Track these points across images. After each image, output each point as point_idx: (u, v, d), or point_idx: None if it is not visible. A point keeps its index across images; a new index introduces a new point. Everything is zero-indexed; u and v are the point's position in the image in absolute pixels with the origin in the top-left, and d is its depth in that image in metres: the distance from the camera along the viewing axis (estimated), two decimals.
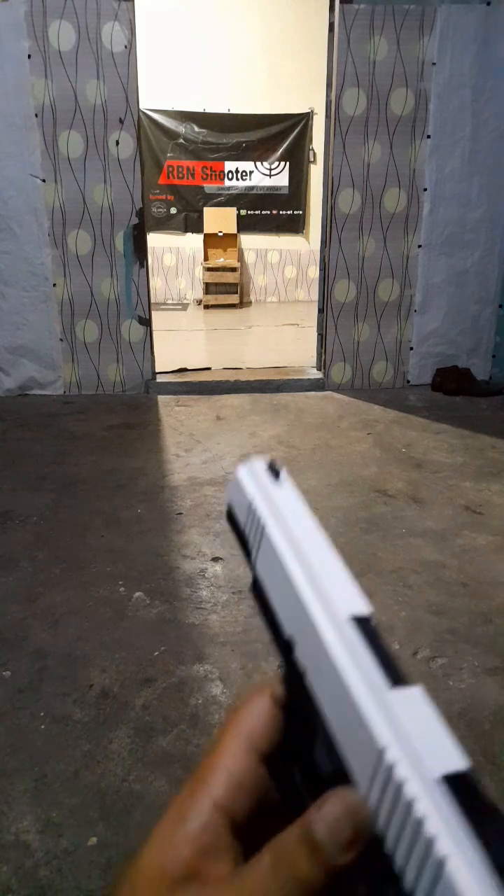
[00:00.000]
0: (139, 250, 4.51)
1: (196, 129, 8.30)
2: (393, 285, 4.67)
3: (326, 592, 0.27)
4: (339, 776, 0.23)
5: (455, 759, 0.21)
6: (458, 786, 0.20)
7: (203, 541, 2.63)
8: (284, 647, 0.27)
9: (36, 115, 4.17)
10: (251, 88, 8.10)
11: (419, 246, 4.57)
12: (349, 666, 0.24)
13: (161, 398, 4.62)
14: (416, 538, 2.66)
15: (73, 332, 4.60)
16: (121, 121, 4.24)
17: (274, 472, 0.32)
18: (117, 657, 1.96)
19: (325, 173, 4.62)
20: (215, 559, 2.49)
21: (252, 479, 0.32)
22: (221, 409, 4.37)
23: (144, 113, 7.10)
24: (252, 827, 0.25)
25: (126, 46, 4.11)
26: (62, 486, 3.15)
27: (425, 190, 4.45)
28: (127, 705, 1.76)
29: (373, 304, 4.70)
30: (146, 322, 4.64)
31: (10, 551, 2.57)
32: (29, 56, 4.06)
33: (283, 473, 0.32)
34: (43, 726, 1.69)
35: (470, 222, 4.53)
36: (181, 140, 8.34)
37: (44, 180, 4.29)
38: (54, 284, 4.48)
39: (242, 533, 0.32)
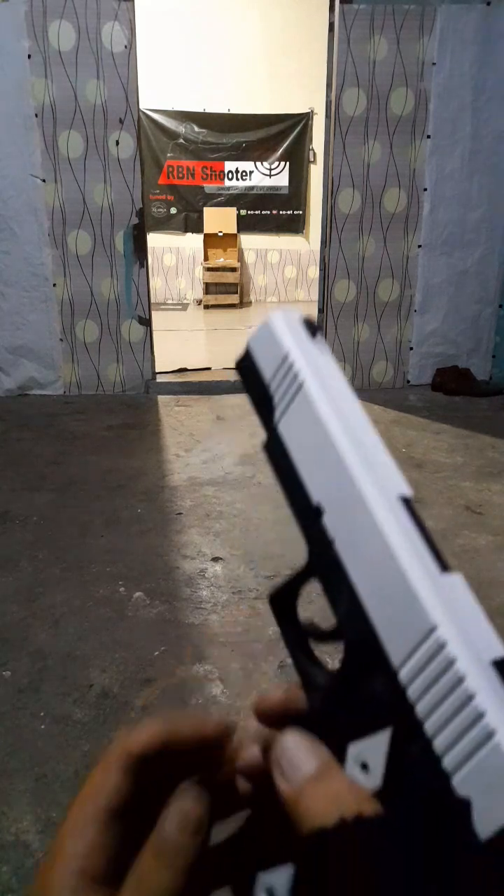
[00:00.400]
0: (139, 250, 4.51)
1: (196, 129, 8.30)
2: (393, 285, 4.67)
3: (371, 465, 0.25)
4: (362, 645, 0.23)
5: (501, 647, 0.22)
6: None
7: (203, 541, 2.63)
8: (309, 512, 0.26)
9: (36, 115, 4.17)
10: (251, 88, 8.10)
11: (419, 246, 4.57)
12: (402, 543, 0.23)
13: (161, 398, 4.62)
14: None
15: (73, 332, 4.60)
16: (121, 121, 4.24)
17: (311, 329, 0.29)
18: (117, 657, 1.96)
19: (325, 173, 4.62)
20: (215, 559, 2.50)
21: (288, 330, 0.28)
22: (222, 408, 4.37)
23: (144, 113, 7.09)
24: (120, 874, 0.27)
25: (126, 46, 4.11)
26: (62, 487, 3.15)
27: (425, 190, 4.45)
28: (127, 705, 1.76)
29: (373, 304, 4.70)
30: (146, 322, 4.64)
31: (11, 551, 2.57)
32: (29, 56, 4.06)
33: (320, 335, 0.29)
34: (43, 726, 1.69)
35: (470, 222, 4.53)
36: (181, 140, 8.34)
37: (44, 180, 4.29)
38: (54, 284, 4.48)
39: (264, 386, 0.28)
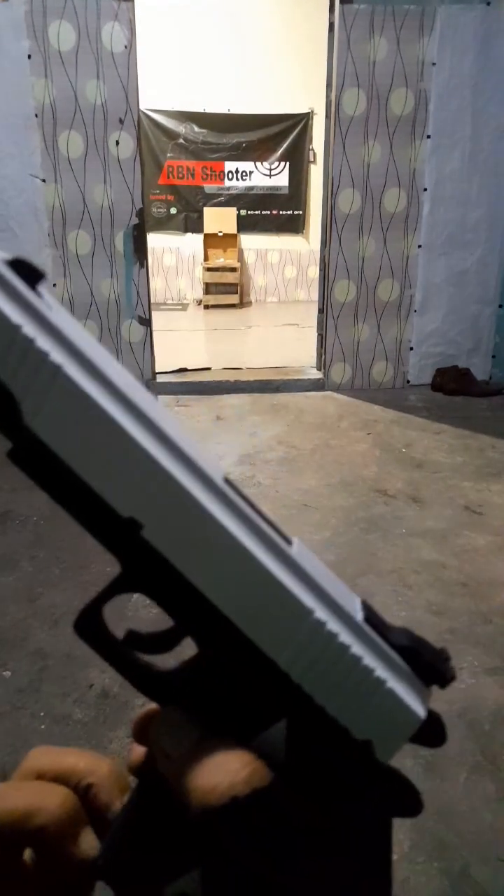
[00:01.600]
0: (139, 250, 4.51)
1: (196, 129, 8.30)
2: (393, 285, 4.67)
3: (178, 452, 0.21)
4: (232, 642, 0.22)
5: (356, 602, 0.24)
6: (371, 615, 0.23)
7: None
8: (119, 529, 0.21)
9: (36, 115, 4.17)
10: (251, 88, 8.11)
11: (419, 246, 4.57)
12: (243, 533, 0.21)
13: (161, 398, 4.62)
14: (416, 538, 2.66)
15: None
16: (121, 121, 4.24)
17: (29, 276, 0.20)
18: None
19: (325, 173, 4.62)
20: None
21: (2, 289, 0.19)
22: (221, 409, 4.37)
23: (144, 113, 7.10)
24: None
25: (126, 46, 4.11)
26: None
27: (425, 190, 4.45)
28: (127, 705, 1.76)
29: (373, 304, 4.70)
30: (146, 322, 4.64)
31: (11, 551, 2.57)
32: (29, 56, 4.06)
33: (43, 282, 0.20)
34: (43, 726, 1.69)
35: (470, 222, 4.53)
36: (181, 140, 8.35)
37: (44, 180, 4.29)
38: (54, 285, 4.48)
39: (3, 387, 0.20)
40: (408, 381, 4.85)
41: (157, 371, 4.80)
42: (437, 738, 0.24)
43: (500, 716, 1.73)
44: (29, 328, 0.19)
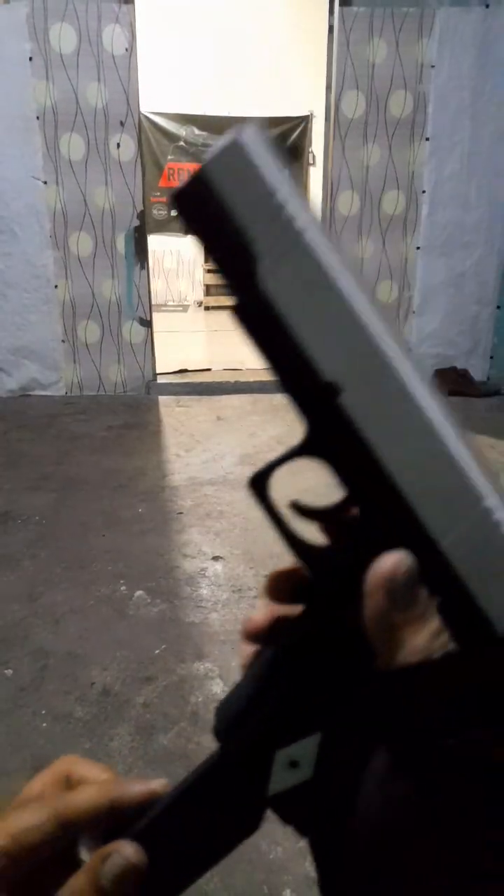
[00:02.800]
0: (140, 252, 4.53)
1: (196, 131, 8.33)
2: (392, 287, 4.69)
3: (393, 336, 0.23)
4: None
5: None
6: None
7: (203, 540, 2.65)
8: (317, 391, 0.23)
9: (37, 118, 4.19)
10: (251, 91, 8.13)
11: (418, 248, 4.59)
12: (440, 417, 0.23)
13: (162, 399, 4.64)
14: None
15: (75, 334, 4.62)
16: (122, 123, 4.26)
17: (284, 156, 0.23)
18: (118, 655, 1.97)
19: (324, 176, 4.64)
20: (216, 558, 2.51)
21: (268, 157, 0.22)
22: (222, 409, 4.38)
23: (145, 115, 7.12)
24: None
25: (127, 49, 4.14)
26: (63, 486, 3.17)
27: (424, 192, 4.47)
28: (128, 703, 1.78)
29: None
30: (147, 323, 4.66)
31: (12, 551, 2.59)
32: (30, 58, 4.08)
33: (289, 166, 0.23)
34: (44, 724, 1.71)
35: (469, 224, 4.55)
36: (182, 142, 8.37)
37: (45, 182, 4.31)
38: (56, 286, 4.50)
39: (238, 230, 0.23)
40: None
41: (157, 372, 4.81)
42: None
43: None
44: (281, 195, 0.22)
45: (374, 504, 0.24)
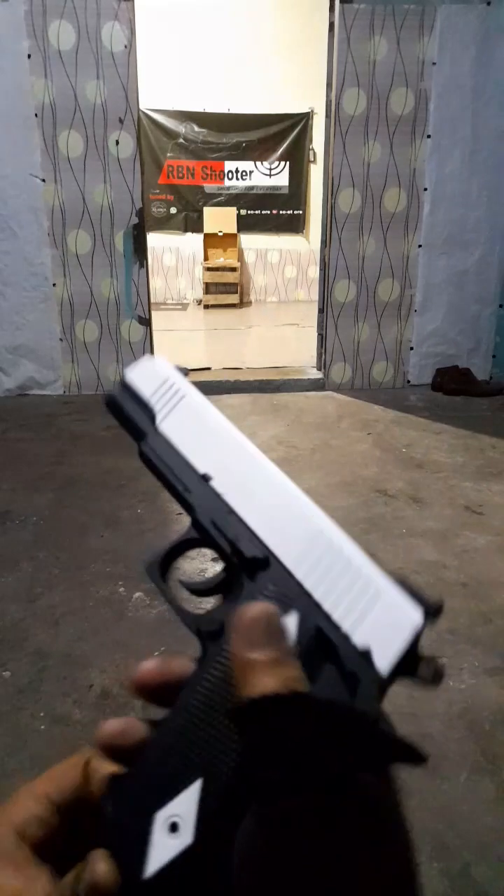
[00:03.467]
0: (139, 250, 4.51)
1: (196, 128, 8.30)
2: (393, 285, 4.67)
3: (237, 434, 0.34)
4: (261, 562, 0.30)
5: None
6: None
7: None
8: (195, 483, 0.33)
9: (36, 115, 4.17)
10: (251, 88, 8.10)
11: (419, 246, 4.57)
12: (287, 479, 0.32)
13: None
14: (416, 538, 2.66)
15: (73, 332, 4.60)
16: (121, 120, 4.24)
17: (182, 371, 0.37)
18: (117, 657, 1.95)
19: (325, 173, 4.62)
20: (215, 559, 2.49)
21: (165, 365, 0.37)
22: (221, 408, 4.27)
23: (144, 113, 7.09)
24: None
25: (126, 46, 4.11)
26: (62, 487, 3.15)
27: (425, 190, 4.45)
28: (127, 706, 1.76)
29: (373, 304, 4.70)
30: (146, 322, 4.64)
31: (10, 551, 2.57)
32: (29, 56, 4.06)
33: (187, 374, 0.38)
34: (43, 727, 1.69)
35: (470, 222, 4.53)
36: (181, 140, 8.34)
37: (43, 180, 4.29)
38: (54, 284, 4.48)
39: (143, 402, 0.36)
40: (408, 381, 4.84)
41: None
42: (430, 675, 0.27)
43: (500, 716, 1.73)
44: (176, 377, 0.37)
45: (244, 548, 0.31)
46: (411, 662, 0.27)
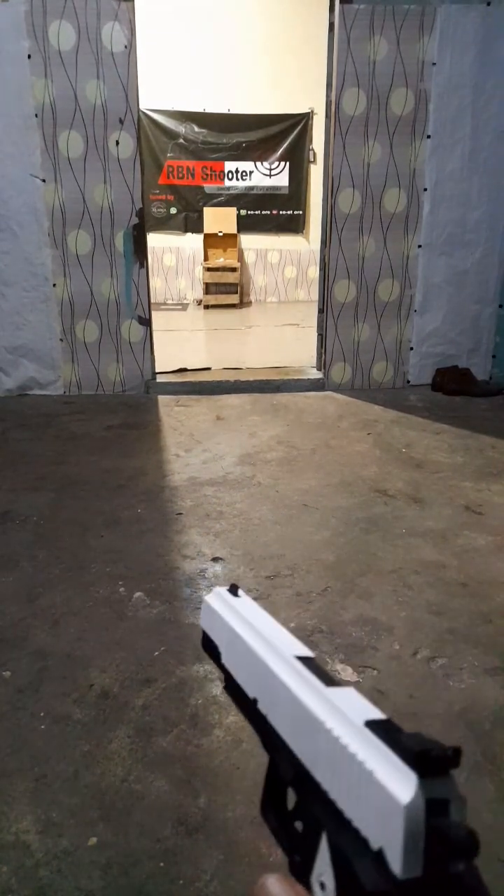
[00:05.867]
0: (139, 250, 4.51)
1: (196, 129, 8.29)
2: (393, 285, 4.67)
3: (277, 648, 0.34)
4: (301, 780, 0.29)
5: (374, 712, 0.28)
6: (380, 726, 0.27)
7: (203, 541, 2.63)
8: (251, 705, 0.34)
9: (36, 115, 4.16)
10: (251, 88, 8.10)
11: (419, 246, 4.57)
12: (295, 681, 0.31)
13: (161, 398, 4.62)
14: (416, 538, 2.66)
15: (73, 333, 4.60)
16: (121, 121, 4.24)
17: (233, 590, 0.40)
18: (117, 657, 1.95)
19: (325, 173, 4.62)
20: (215, 559, 2.49)
21: (218, 600, 0.40)
22: (221, 409, 4.37)
23: (144, 113, 7.09)
24: None
25: (126, 46, 4.11)
26: (62, 487, 3.15)
27: (425, 190, 4.44)
28: (127, 705, 1.76)
29: (373, 305, 4.70)
30: (146, 322, 4.64)
31: (11, 551, 2.57)
32: (29, 56, 4.05)
33: (241, 591, 0.40)
34: (43, 726, 1.69)
35: (470, 222, 4.53)
36: (181, 140, 8.33)
37: (44, 180, 4.29)
38: (54, 284, 4.48)
39: (213, 642, 0.39)
40: (408, 381, 4.84)
41: (157, 371, 4.79)
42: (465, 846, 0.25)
43: (500, 716, 1.73)
44: (222, 611, 0.39)
45: (287, 770, 0.31)
46: (445, 840, 0.24)
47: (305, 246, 8.95)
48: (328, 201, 4.53)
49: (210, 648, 0.40)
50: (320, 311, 4.90)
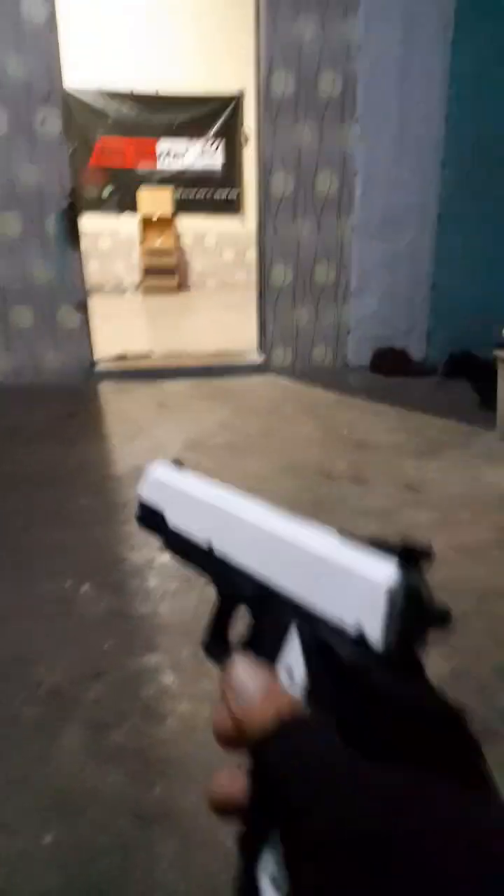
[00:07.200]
0: (73, 234, 4.39)
1: (125, 109, 8.11)
2: (329, 269, 4.71)
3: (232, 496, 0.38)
4: (264, 598, 0.33)
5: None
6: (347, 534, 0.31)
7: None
8: (205, 554, 0.37)
9: None
10: (181, 68, 7.95)
11: (352, 229, 4.61)
12: (262, 511, 0.36)
13: (102, 386, 4.54)
14: (360, 517, 2.72)
15: (7, 319, 4.46)
16: (45, 98, 4.09)
17: (176, 464, 0.44)
18: (66, 653, 1.93)
19: (258, 156, 4.59)
20: (163, 549, 2.48)
21: (163, 468, 0.44)
22: (164, 395, 4.33)
23: (71, 93, 6.87)
24: None
25: (47, 20, 3.96)
26: (2, 482, 3.07)
27: (356, 174, 4.48)
28: (77, 701, 1.74)
29: (310, 288, 4.73)
30: (83, 308, 4.53)
31: None
32: None
33: (184, 467, 0.44)
34: None
35: (401, 205, 4.60)
36: (111, 121, 8.14)
37: None
38: None
39: (157, 511, 0.42)
40: (347, 364, 4.91)
41: (96, 359, 4.70)
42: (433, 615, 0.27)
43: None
44: (165, 477, 0.44)
45: (246, 590, 0.34)
46: (420, 616, 0.26)
47: (242, 228, 8.91)
48: (261, 184, 4.52)
49: (149, 516, 0.43)
50: (259, 295, 4.90)
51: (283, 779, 0.23)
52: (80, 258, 4.45)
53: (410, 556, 0.27)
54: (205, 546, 0.37)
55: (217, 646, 0.37)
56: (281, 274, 4.67)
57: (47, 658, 1.92)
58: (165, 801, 1.46)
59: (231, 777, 0.29)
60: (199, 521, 0.39)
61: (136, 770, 1.54)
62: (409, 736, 0.24)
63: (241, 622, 0.36)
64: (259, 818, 0.27)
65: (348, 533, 0.31)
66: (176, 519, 0.41)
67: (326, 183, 4.50)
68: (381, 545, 0.28)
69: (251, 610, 0.34)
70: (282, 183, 4.46)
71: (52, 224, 4.33)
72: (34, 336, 4.50)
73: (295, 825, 0.22)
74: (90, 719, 1.69)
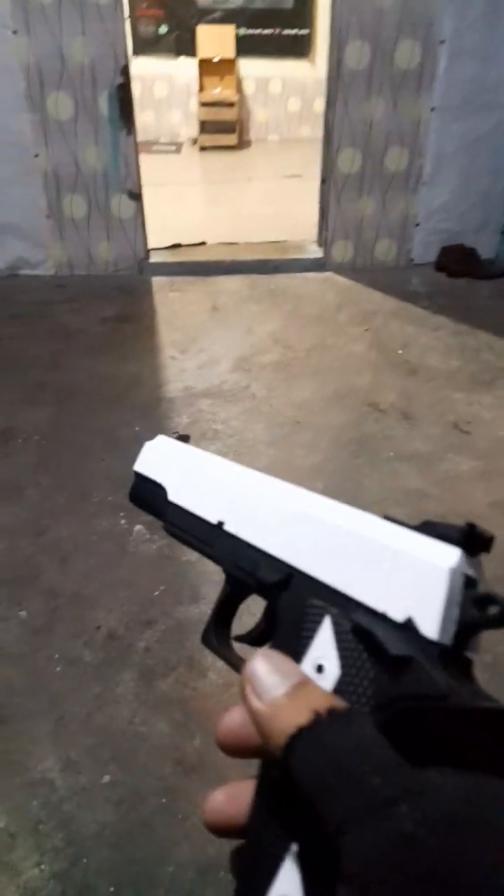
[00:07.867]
0: (126, 115, 4.11)
1: None
2: (401, 154, 4.32)
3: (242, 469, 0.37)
4: (284, 582, 0.31)
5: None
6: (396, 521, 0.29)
7: None
8: (213, 531, 0.35)
9: None
10: None
11: (432, 109, 4.15)
12: (290, 488, 0.33)
13: (155, 280, 4.49)
14: (402, 462, 2.77)
15: (60, 208, 4.35)
16: None
17: (180, 437, 0.43)
18: (121, 597, 2.16)
19: (332, 24, 4.05)
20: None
21: (158, 443, 0.43)
22: (217, 295, 4.26)
23: None
24: None
25: None
26: (60, 399, 3.20)
27: (442, 42, 3.94)
28: (131, 648, 1.99)
29: (379, 176, 4.38)
30: (136, 197, 4.36)
31: (16, 476, 2.70)
32: None
33: (186, 441, 0.43)
34: (58, 668, 1.93)
35: (490, 81, 4.07)
36: None
37: (15, 32, 3.81)
38: (36, 155, 4.16)
39: (156, 483, 0.40)
40: (411, 260, 4.66)
41: (150, 248, 4.60)
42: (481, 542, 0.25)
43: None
44: (169, 449, 0.42)
45: (267, 576, 0.32)
46: (478, 605, 0.23)
47: (311, 73, 8.04)
48: (333, 55, 4.05)
49: (147, 494, 0.41)
50: (323, 181, 4.57)
51: (320, 787, 0.21)
52: (134, 142, 4.20)
53: (473, 543, 0.25)
54: (214, 522, 0.35)
55: (220, 636, 0.35)
56: (349, 159, 4.31)
57: (105, 600, 2.15)
58: (203, 753, 1.72)
59: (227, 797, 0.27)
60: (209, 497, 0.36)
61: (179, 721, 1.80)
62: (465, 740, 0.21)
63: (240, 619, 0.37)
64: (273, 836, 0.24)
65: (393, 518, 0.28)
66: (178, 495, 0.39)
67: (407, 54, 3.99)
68: (435, 530, 0.26)
69: (267, 597, 0.31)
70: (357, 53, 3.98)
71: (104, 104, 4.05)
72: (88, 226, 4.40)
73: (332, 842, 0.19)
74: (142, 666, 1.94)
